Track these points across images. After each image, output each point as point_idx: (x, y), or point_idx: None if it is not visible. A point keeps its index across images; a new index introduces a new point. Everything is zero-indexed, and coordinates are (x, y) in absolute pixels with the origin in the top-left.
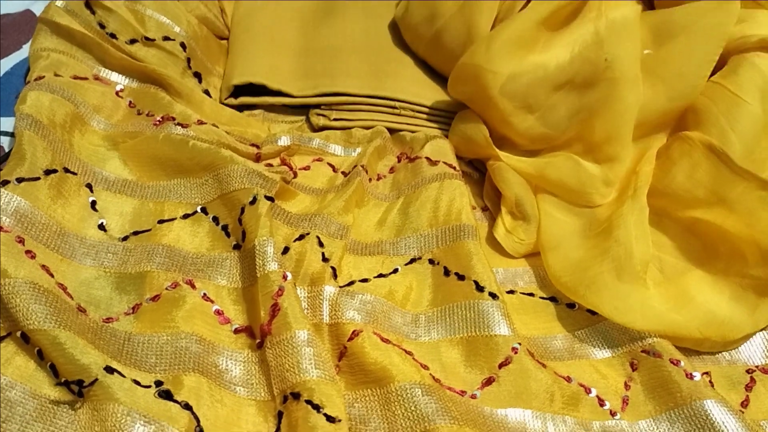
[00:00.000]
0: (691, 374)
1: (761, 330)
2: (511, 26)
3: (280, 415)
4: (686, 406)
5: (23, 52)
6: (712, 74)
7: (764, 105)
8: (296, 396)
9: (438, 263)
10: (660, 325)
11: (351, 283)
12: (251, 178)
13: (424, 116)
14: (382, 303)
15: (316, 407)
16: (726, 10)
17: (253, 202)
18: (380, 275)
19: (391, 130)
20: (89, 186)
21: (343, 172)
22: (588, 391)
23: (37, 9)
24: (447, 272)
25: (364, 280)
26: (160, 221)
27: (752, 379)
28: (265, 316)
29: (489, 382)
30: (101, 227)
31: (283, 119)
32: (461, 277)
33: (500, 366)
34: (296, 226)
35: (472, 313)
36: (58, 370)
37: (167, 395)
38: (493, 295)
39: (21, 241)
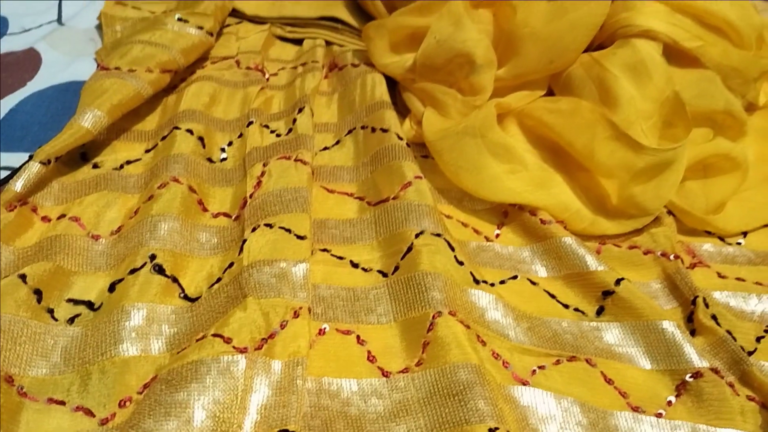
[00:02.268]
0: None
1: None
2: None
3: None
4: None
5: (27, 90)
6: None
7: (632, 80)
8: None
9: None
10: (512, 199)
11: None
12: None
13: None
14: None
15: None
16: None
17: None
18: None
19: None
20: None
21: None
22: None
23: (41, 48)
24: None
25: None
26: None
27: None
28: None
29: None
30: None
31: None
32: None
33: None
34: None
35: None
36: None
37: (160, 270)
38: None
39: None
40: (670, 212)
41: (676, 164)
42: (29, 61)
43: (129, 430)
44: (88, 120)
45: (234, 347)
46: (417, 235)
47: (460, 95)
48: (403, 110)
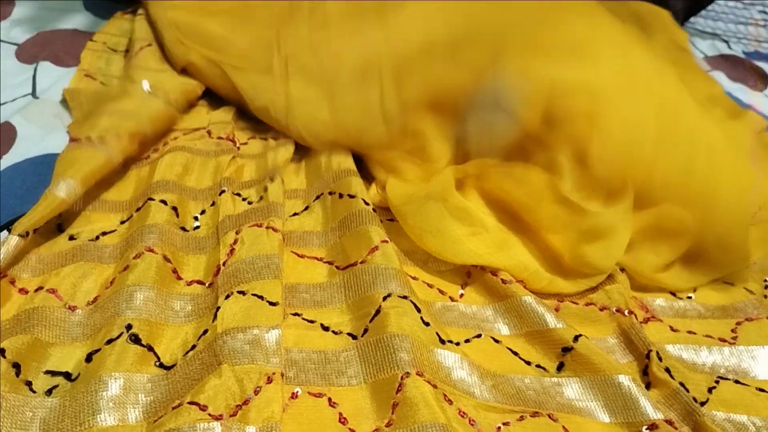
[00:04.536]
0: None
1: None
2: None
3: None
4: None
5: (2, 163)
6: None
7: None
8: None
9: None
10: (474, 261)
11: None
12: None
13: None
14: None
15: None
16: None
17: None
18: None
19: None
20: None
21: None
22: None
23: (16, 121)
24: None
25: None
26: None
27: None
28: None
29: None
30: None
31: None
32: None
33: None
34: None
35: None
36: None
37: (136, 339)
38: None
39: None
40: (622, 270)
41: (620, 226)
42: (5, 135)
43: None
44: (63, 190)
45: (209, 414)
46: (384, 298)
47: (419, 162)
48: (368, 176)
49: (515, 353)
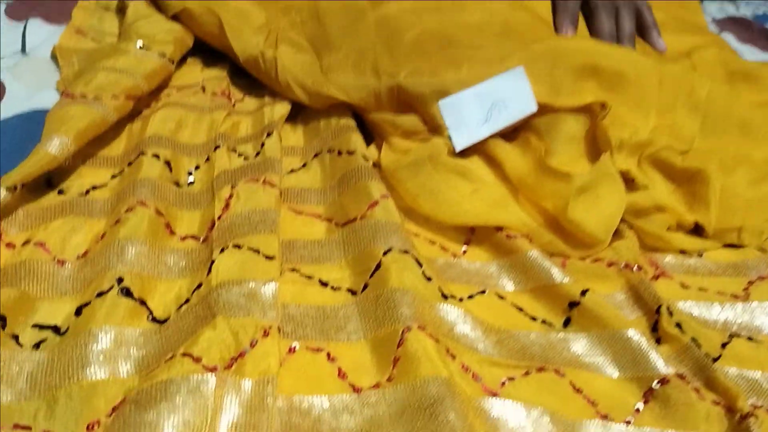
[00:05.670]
0: None
1: None
2: None
3: None
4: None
5: None
6: None
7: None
8: None
9: None
10: (471, 221)
11: None
12: None
13: None
14: None
15: None
16: None
17: None
18: None
19: None
20: None
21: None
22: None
23: (5, 78)
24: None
25: None
26: None
27: None
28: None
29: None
30: None
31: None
32: None
33: None
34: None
35: None
36: None
37: (128, 293)
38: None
39: None
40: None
41: (604, 185)
42: None
43: None
44: (55, 146)
45: (203, 366)
46: (385, 253)
47: (420, 123)
48: (368, 136)
49: (520, 309)
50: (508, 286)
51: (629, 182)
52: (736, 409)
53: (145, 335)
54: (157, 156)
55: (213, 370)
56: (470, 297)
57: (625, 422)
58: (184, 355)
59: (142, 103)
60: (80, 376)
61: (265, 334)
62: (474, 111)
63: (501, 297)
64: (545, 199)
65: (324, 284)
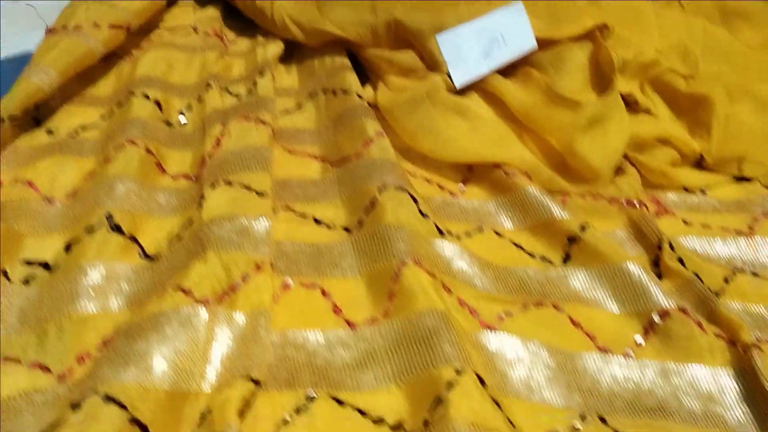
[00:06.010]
0: None
1: None
2: None
3: None
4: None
5: None
6: None
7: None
8: None
9: None
10: (470, 158)
11: None
12: None
13: None
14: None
15: None
16: None
17: None
18: None
19: None
20: None
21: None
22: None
23: None
24: None
25: None
26: None
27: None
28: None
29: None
30: None
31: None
32: None
33: None
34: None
35: None
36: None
37: (118, 229)
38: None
39: None
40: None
41: (612, 117)
42: None
43: (87, 381)
44: (38, 75)
45: (194, 299)
46: (380, 190)
47: (417, 60)
48: (363, 75)
49: (519, 246)
50: (507, 223)
51: (631, 105)
52: (739, 342)
53: (136, 271)
54: (147, 96)
55: (204, 302)
56: (468, 235)
57: (625, 355)
58: (175, 288)
59: (132, 43)
60: (70, 309)
61: (258, 268)
62: (473, 47)
63: (499, 234)
64: (551, 132)
65: (318, 222)
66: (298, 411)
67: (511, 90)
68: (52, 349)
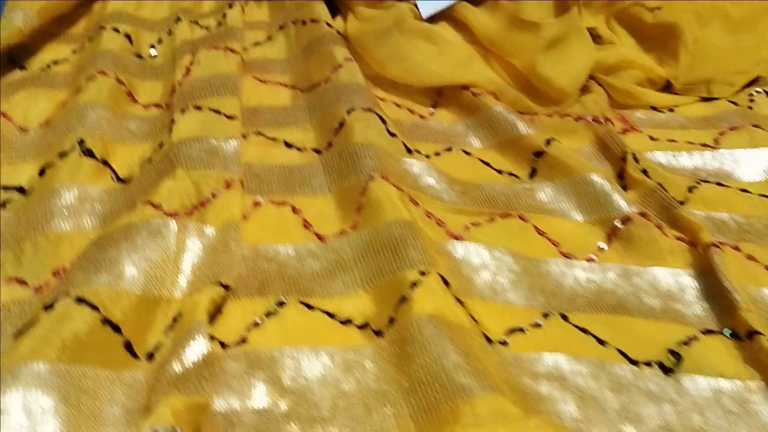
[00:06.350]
0: None
1: None
2: None
3: None
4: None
5: None
6: None
7: None
8: None
9: None
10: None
11: None
12: None
13: None
14: None
15: None
16: None
17: None
18: None
19: None
20: None
21: None
22: None
23: None
24: None
25: None
26: None
27: None
28: None
29: None
30: None
31: None
32: None
33: None
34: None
35: None
36: None
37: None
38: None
39: None
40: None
41: (572, 37)
42: None
43: (60, 286)
44: (19, 18)
45: (164, 212)
46: (348, 112)
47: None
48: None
49: (487, 164)
50: (475, 142)
51: (596, 39)
52: (699, 243)
53: (109, 193)
54: (117, 30)
55: (174, 215)
56: (437, 154)
57: (588, 260)
58: (144, 203)
59: None
60: (45, 228)
61: (228, 186)
62: None
63: (468, 153)
64: (514, 55)
65: (289, 145)
66: (268, 315)
67: (477, 16)
68: (28, 265)
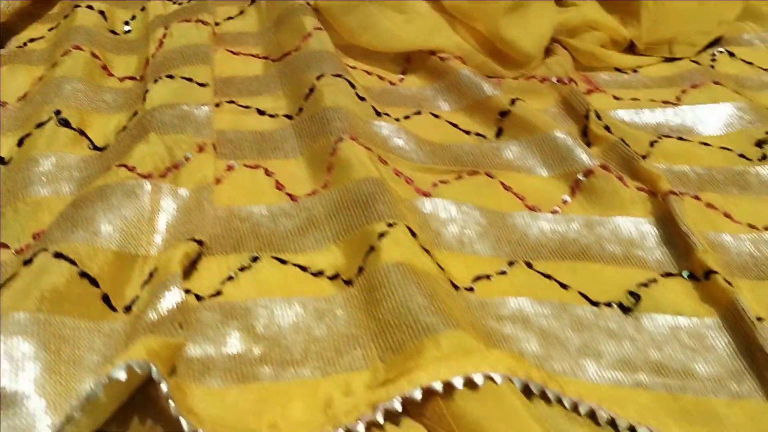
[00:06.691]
0: None
1: None
2: None
3: None
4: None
5: None
6: None
7: None
8: None
9: None
10: (408, 47)
11: None
12: None
13: None
14: None
15: None
16: None
17: None
18: None
19: None
20: None
21: None
22: None
23: None
24: None
25: None
26: None
27: None
28: None
29: None
30: None
31: None
32: None
33: None
34: None
35: None
36: None
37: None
38: None
39: None
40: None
41: (539, 5)
42: None
43: (38, 243)
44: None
45: (138, 174)
46: (318, 78)
47: None
48: None
49: (455, 125)
50: (444, 106)
51: (558, 1)
52: (658, 192)
53: (86, 161)
54: (90, 7)
55: (147, 177)
56: (406, 117)
57: (552, 212)
58: (119, 166)
59: None
60: (24, 194)
61: (200, 149)
62: None
63: (436, 116)
64: (478, 20)
65: (261, 113)
66: (242, 269)
67: None
68: (8, 229)
